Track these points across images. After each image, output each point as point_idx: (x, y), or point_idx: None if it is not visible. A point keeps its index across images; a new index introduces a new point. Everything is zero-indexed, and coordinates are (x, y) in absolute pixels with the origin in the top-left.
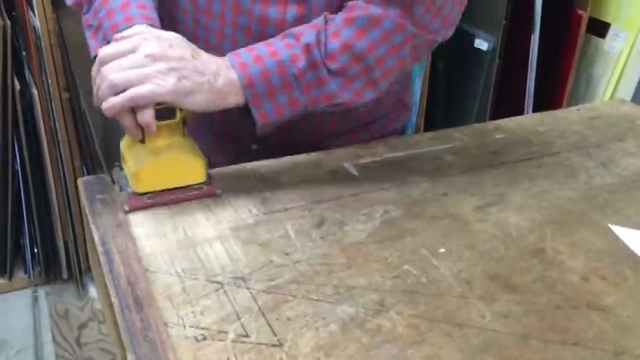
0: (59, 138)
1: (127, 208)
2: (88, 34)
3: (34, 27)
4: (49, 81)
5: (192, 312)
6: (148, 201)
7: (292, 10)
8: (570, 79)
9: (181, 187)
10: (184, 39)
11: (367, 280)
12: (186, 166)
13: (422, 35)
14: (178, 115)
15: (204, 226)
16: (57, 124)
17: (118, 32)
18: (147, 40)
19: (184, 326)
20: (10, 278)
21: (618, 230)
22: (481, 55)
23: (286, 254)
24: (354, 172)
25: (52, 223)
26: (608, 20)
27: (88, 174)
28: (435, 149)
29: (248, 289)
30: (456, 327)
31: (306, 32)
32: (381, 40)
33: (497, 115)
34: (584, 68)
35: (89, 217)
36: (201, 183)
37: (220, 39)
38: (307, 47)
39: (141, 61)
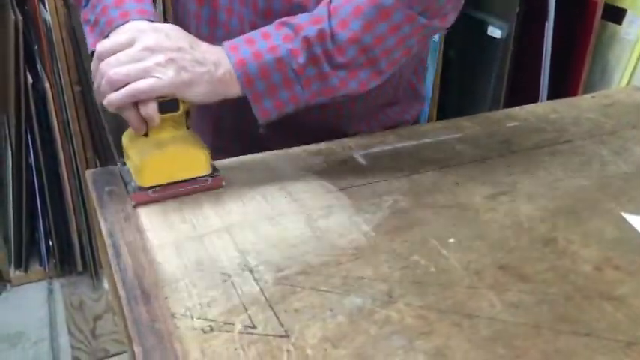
0: (72, 131)
1: (133, 204)
2: (86, 29)
3: (46, 21)
4: (61, 74)
5: (200, 303)
6: (154, 195)
7: None
8: (586, 67)
9: (186, 180)
10: (181, 30)
11: (375, 271)
12: (190, 158)
13: (431, 25)
14: (181, 108)
15: (212, 218)
16: (69, 117)
17: (112, 28)
18: (143, 33)
19: (191, 317)
20: (26, 271)
21: (632, 219)
22: (494, 42)
23: (294, 245)
24: (363, 161)
25: (67, 216)
26: (624, 6)
27: (101, 166)
28: (446, 138)
29: (255, 280)
30: (465, 317)
31: (307, 26)
32: (389, 33)
33: (511, 103)
34: (599, 55)
35: (97, 209)
36: (206, 175)
37: (229, 16)
38: (307, 42)
39: (138, 55)
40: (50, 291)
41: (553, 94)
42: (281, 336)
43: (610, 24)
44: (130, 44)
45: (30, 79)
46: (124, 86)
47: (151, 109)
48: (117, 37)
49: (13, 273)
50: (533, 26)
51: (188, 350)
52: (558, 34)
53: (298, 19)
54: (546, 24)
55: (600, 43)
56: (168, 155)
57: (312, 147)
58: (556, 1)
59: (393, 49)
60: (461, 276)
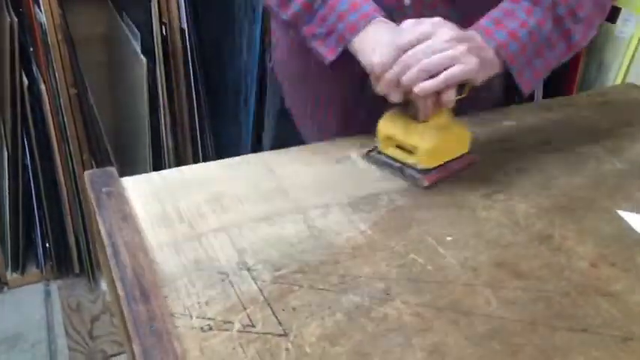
0: (68, 133)
1: (426, 183)
2: (314, 44)
3: (41, 23)
4: (57, 77)
5: (198, 303)
6: (439, 174)
7: None
8: (581, 65)
9: (455, 158)
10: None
11: (373, 269)
12: (462, 137)
13: None
14: (467, 91)
15: (210, 218)
16: (65, 119)
17: (357, 32)
18: (440, 25)
19: (190, 317)
20: (23, 273)
21: (627, 216)
22: None
23: (291, 244)
24: (360, 161)
25: (63, 218)
26: (618, 4)
27: (97, 167)
28: None
29: (253, 279)
30: (462, 315)
31: None
32: None
33: (507, 102)
34: (595, 54)
35: (95, 210)
36: (466, 153)
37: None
38: (553, 5)
39: (444, 45)
40: (47, 293)
41: (549, 93)
42: (279, 334)
43: (605, 22)
44: (429, 36)
45: (25, 82)
46: (433, 75)
47: (452, 94)
48: (414, 31)
49: (10, 275)
50: None
51: (187, 349)
52: None
53: None
54: None
55: (595, 42)
56: (450, 136)
57: (310, 146)
58: None
59: None
60: (457, 274)
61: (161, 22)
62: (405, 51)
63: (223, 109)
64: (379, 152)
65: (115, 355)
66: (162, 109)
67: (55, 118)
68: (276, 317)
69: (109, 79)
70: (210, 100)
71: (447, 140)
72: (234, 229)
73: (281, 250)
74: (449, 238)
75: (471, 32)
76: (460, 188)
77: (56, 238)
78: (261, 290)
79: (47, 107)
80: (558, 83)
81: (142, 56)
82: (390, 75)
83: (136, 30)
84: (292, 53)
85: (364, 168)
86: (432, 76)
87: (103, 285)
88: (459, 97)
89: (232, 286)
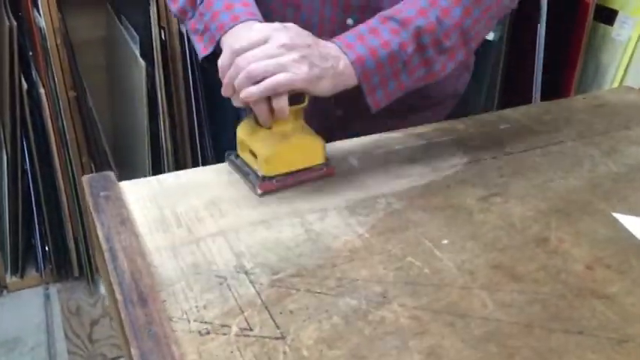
0: (67, 136)
1: (259, 192)
2: (194, 38)
3: (40, 27)
4: (56, 80)
5: (196, 306)
6: (277, 184)
7: None
8: (578, 68)
9: (304, 169)
10: (300, 28)
11: (370, 273)
12: (310, 148)
13: (510, 3)
14: (306, 101)
15: (208, 222)
16: (64, 123)
17: (224, 32)
18: (276, 31)
19: (188, 320)
20: (22, 276)
21: (623, 219)
22: (487, 45)
23: (288, 248)
24: (357, 164)
25: (62, 221)
26: (615, 7)
27: (97, 171)
28: (439, 140)
29: (251, 283)
30: (458, 317)
31: (415, 19)
32: (482, 15)
33: (504, 105)
34: (592, 56)
35: (93, 214)
36: (322, 164)
37: (311, 13)
38: (418, 33)
39: (275, 51)
40: (47, 296)
41: (546, 95)
42: (277, 338)
43: (602, 25)
44: (264, 41)
45: (25, 85)
46: (260, 81)
47: (283, 102)
48: (251, 35)
49: (10, 279)
50: (525, 28)
51: (185, 353)
52: (551, 35)
53: (402, 13)
54: (539, 26)
55: (592, 44)
56: (292, 145)
57: None
58: (548, 3)
59: (483, 28)
60: (454, 276)
61: (160, 26)
62: (238, 55)
63: (222, 112)
64: (237, 156)
65: (114, 359)
66: (161, 112)
67: (54, 122)
68: (274, 321)
69: (107, 82)
70: (209, 103)
71: (291, 149)
72: (231, 233)
73: (278, 254)
74: (445, 241)
75: (322, 41)
76: (456, 191)
77: (56, 242)
78: (258, 294)
79: (46, 111)
80: (555, 86)
81: (140, 60)
82: (226, 79)
83: (134, 33)
84: None
85: (362, 171)
86: (258, 82)
87: (102, 288)
88: (298, 106)
89: (230, 289)
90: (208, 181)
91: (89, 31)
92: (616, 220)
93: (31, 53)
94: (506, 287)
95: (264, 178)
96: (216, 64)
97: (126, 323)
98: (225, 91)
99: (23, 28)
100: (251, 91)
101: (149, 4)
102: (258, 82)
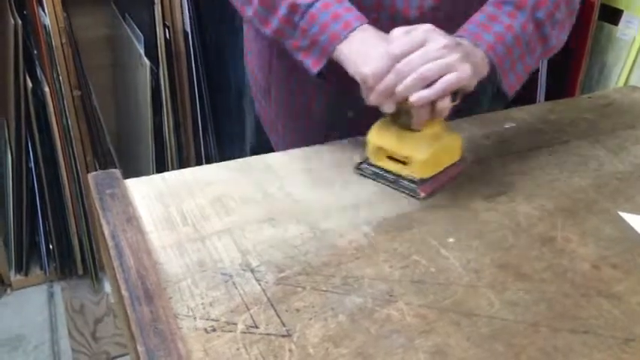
0: (71, 135)
1: (423, 195)
2: (299, 56)
3: (45, 26)
4: (61, 79)
5: (202, 304)
6: (435, 184)
7: None
8: (583, 67)
9: (450, 166)
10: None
11: (376, 271)
12: (455, 145)
13: None
14: (459, 98)
15: (213, 219)
16: (69, 122)
17: (339, 41)
18: (433, 32)
19: (194, 318)
20: (27, 274)
21: (629, 218)
22: None
23: (294, 246)
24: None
25: (67, 219)
26: (620, 7)
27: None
28: None
29: (257, 280)
30: (464, 316)
31: None
32: None
33: (509, 105)
34: (597, 56)
35: (99, 212)
36: (459, 160)
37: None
38: (534, 9)
39: (439, 52)
40: (50, 294)
41: (551, 95)
42: (283, 335)
43: (607, 24)
44: (423, 44)
45: (29, 84)
46: (429, 84)
47: (447, 102)
48: (407, 39)
49: (14, 277)
50: None
51: (191, 350)
52: None
53: None
54: None
55: (597, 44)
56: (444, 145)
57: (313, 148)
58: None
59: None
60: (460, 275)
61: (164, 25)
62: (399, 59)
63: (226, 111)
64: (370, 164)
65: (118, 357)
66: (165, 111)
67: (58, 121)
68: (280, 318)
69: (112, 81)
70: (213, 102)
71: (441, 149)
72: (237, 230)
73: (284, 252)
74: (451, 240)
75: (459, 38)
76: (462, 190)
77: (60, 240)
78: (264, 291)
79: (51, 109)
80: (560, 85)
81: (145, 59)
82: (384, 84)
83: (139, 33)
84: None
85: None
86: (427, 85)
87: (107, 286)
88: (453, 104)
89: (236, 287)
90: (213, 178)
91: (94, 30)
92: (622, 219)
93: (35, 52)
94: (512, 286)
95: (422, 181)
96: (328, 77)
97: (132, 320)
98: (376, 99)
99: (28, 27)
100: (425, 94)
101: (154, 3)
102: (427, 85)
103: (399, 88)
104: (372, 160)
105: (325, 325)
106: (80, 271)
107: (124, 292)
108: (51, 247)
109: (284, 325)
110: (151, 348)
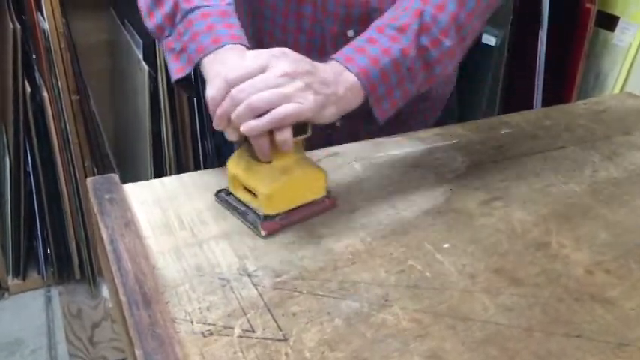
0: (70, 139)
1: (263, 234)
2: (169, 57)
3: (44, 30)
4: (59, 83)
5: (199, 308)
6: (282, 222)
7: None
8: (579, 73)
9: (306, 204)
10: (297, 53)
11: (372, 275)
12: (312, 181)
13: None
14: (309, 131)
15: (211, 224)
16: (67, 126)
17: (204, 55)
18: (275, 58)
19: (191, 322)
20: (24, 279)
21: (622, 224)
22: (488, 50)
23: (291, 250)
24: (359, 168)
25: (65, 224)
26: (616, 13)
27: (99, 174)
28: (440, 145)
29: (254, 285)
30: (459, 320)
31: (411, 22)
32: (476, 5)
33: (505, 110)
34: (593, 62)
35: (98, 216)
36: (323, 197)
37: (312, 24)
38: (418, 35)
39: (277, 80)
40: (48, 299)
41: (547, 101)
42: (279, 339)
43: (603, 31)
44: (262, 70)
45: (28, 89)
46: (263, 114)
47: (287, 134)
48: (246, 63)
49: (11, 281)
50: (526, 33)
51: (188, 354)
52: (552, 41)
53: (397, 20)
54: (540, 31)
55: (593, 50)
56: (295, 180)
57: (311, 153)
58: (550, 9)
59: (476, 22)
60: (455, 280)
61: None
62: (233, 85)
63: None
64: (228, 193)
65: None
66: (163, 116)
67: (57, 125)
68: (276, 322)
69: (110, 86)
70: None
71: (293, 184)
72: (234, 235)
73: (281, 256)
74: (447, 245)
75: (320, 65)
76: (458, 195)
77: (57, 244)
78: (261, 296)
79: (49, 114)
80: (556, 91)
81: (143, 64)
82: (220, 111)
83: (138, 38)
84: None
85: (363, 175)
86: (260, 115)
87: (104, 291)
88: (302, 137)
89: (233, 291)
90: (211, 183)
91: (93, 35)
92: (615, 225)
93: (34, 57)
94: (507, 291)
95: (266, 217)
96: (190, 86)
97: (130, 324)
98: (217, 124)
99: (27, 32)
100: (253, 125)
101: None
102: (259, 115)
103: (232, 116)
104: (230, 189)
105: (321, 329)
106: (78, 276)
107: (122, 297)
108: (49, 251)
109: (280, 329)
110: (149, 352)
